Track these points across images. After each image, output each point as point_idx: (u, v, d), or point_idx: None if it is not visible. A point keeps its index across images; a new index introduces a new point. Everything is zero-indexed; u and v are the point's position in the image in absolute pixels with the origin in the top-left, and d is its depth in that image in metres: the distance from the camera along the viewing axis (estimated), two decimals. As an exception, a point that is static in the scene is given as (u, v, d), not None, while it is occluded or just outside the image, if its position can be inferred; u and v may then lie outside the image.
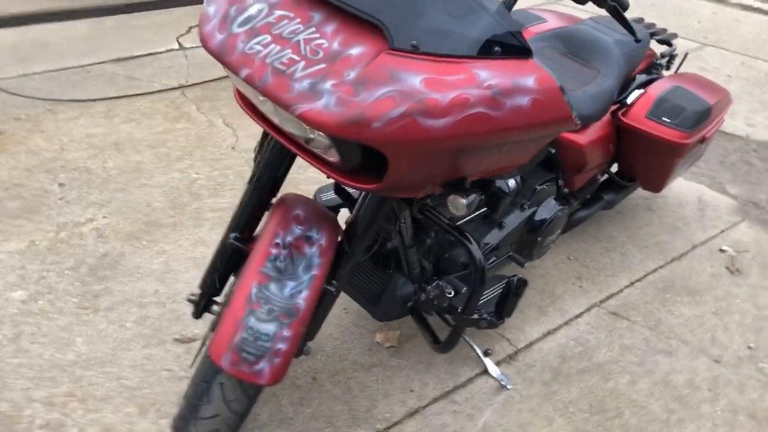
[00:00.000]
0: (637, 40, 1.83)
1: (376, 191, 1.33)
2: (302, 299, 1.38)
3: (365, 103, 1.13)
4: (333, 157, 1.31)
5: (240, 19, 1.28)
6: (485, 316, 1.73)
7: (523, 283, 1.74)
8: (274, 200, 1.58)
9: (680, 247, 2.61)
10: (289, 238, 1.44)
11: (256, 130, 3.13)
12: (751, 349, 2.15)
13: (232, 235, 1.58)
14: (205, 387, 1.41)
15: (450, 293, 1.80)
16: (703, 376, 2.04)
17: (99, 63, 3.76)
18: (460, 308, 1.77)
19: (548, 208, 2.08)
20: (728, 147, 3.38)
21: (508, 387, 1.93)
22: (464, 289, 1.84)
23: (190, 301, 1.67)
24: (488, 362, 1.98)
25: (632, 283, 2.40)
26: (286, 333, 1.36)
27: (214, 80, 3.65)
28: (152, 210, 2.57)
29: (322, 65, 1.18)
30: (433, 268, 1.87)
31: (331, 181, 2.23)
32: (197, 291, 1.66)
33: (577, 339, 2.13)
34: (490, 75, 1.16)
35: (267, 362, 1.34)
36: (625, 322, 2.22)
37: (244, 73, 1.24)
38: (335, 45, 1.19)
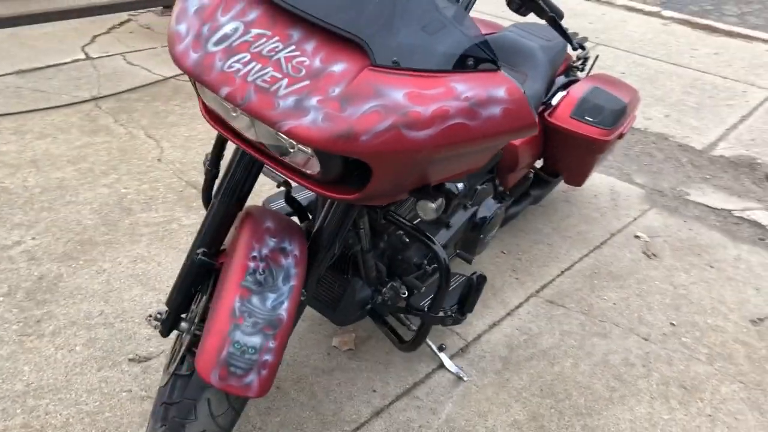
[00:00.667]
0: (575, 48, 1.97)
1: (354, 201, 1.38)
2: (284, 310, 1.41)
3: (352, 118, 1.18)
4: (311, 169, 1.34)
5: (215, 38, 1.29)
6: (450, 313, 1.81)
7: (483, 279, 1.83)
8: (239, 213, 1.60)
9: (600, 236, 2.80)
10: (264, 251, 1.46)
11: (181, 141, 3.09)
12: (674, 326, 2.35)
13: (200, 250, 1.58)
14: (191, 404, 1.41)
15: (404, 293, 1.88)
16: (636, 353, 2.21)
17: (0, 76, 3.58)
18: (425, 307, 1.85)
19: (488, 207, 2.20)
20: (630, 140, 3.64)
21: (465, 379, 2.03)
22: (422, 289, 1.92)
23: (156, 319, 1.65)
24: (443, 357, 2.07)
25: (562, 272, 2.56)
26: (272, 344, 1.38)
27: (127, 91, 3.55)
28: (84, 228, 2.49)
29: (306, 82, 1.22)
30: (387, 271, 1.93)
31: (277, 189, 2.25)
32: (163, 309, 1.65)
33: (521, 328, 2.25)
34: (466, 87, 1.24)
35: (255, 374, 1.36)
36: (561, 309, 2.37)
37: (225, 91, 1.25)
38: (317, 62, 1.23)
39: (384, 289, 1.85)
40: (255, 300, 1.40)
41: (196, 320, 1.61)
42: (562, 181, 2.70)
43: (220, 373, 1.34)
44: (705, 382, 2.12)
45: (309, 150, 1.29)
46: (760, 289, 2.57)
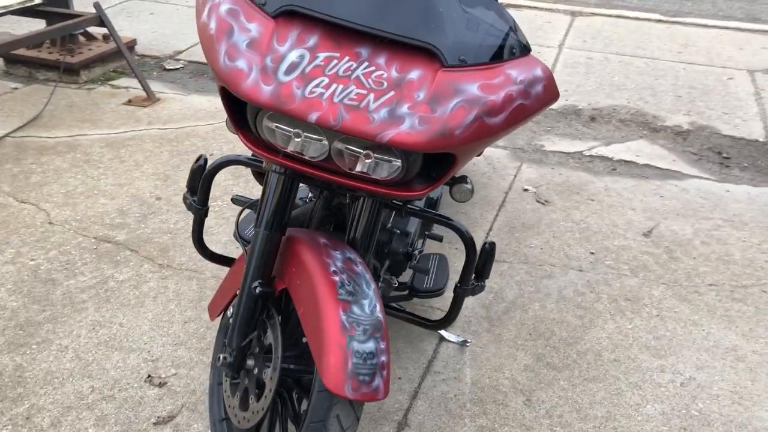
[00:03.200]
0: None
1: (421, 196, 1.49)
2: (379, 312, 1.48)
3: (444, 117, 1.30)
4: (382, 174, 1.42)
5: (282, 67, 1.32)
6: (473, 282, 1.97)
7: (494, 246, 2.01)
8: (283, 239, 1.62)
9: (498, 196, 3.13)
10: (338, 264, 1.52)
11: (61, 199, 2.87)
12: (593, 254, 2.73)
13: (256, 284, 1.58)
14: (320, 425, 1.43)
15: (395, 284, 2.00)
16: (580, 283, 2.55)
17: None
18: (430, 289, 1.99)
19: (439, 189, 2.38)
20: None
21: (468, 342, 2.21)
22: (410, 276, 2.06)
23: (224, 365, 1.61)
24: (441, 332, 2.23)
25: (488, 233, 2.84)
26: (382, 345, 1.45)
27: (-35, 159, 3.17)
28: (13, 312, 2.24)
29: (392, 93, 1.31)
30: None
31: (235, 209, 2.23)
32: (228, 353, 1.60)
33: (486, 289, 2.48)
34: (517, 72, 1.41)
35: (379, 377, 1.42)
36: (506, 264, 2.64)
37: (314, 116, 1.30)
38: (394, 73, 1.32)
39: (379, 283, 1.96)
40: (356, 309, 1.45)
41: (262, 354, 1.61)
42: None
43: (352, 385, 1.38)
44: (640, 291, 2.52)
45: (389, 158, 1.37)
46: (635, 208, 3.07)
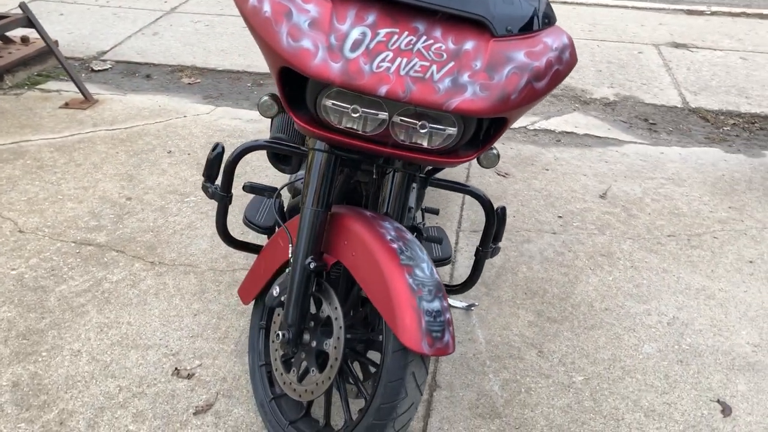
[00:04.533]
0: None
1: (470, 160, 1.59)
2: (436, 273, 1.57)
3: (501, 83, 1.41)
4: (437, 143, 1.51)
5: (347, 45, 1.38)
6: (491, 246, 2.08)
7: (505, 211, 2.12)
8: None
9: (462, 174, 3.27)
10: (392, 233, 1.59)
11: (25, 207, 2.76)
12: (561, 218, 2.93)
13: (309, 260, 1.62)
14: (399, 383, 1.49)
15: None
16: (557, 244, 2.73)
17: None
18: (440, 258, 2.10)
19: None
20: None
21: (476, 305, 2.33)
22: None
23: (284, 342, 1.64)
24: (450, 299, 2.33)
25: (462, 207, 2.97)
26: (445, 303, 1.54)
27: None
28: (10, 324, 2.16)
29: (452, 63, 1.40)
30: None
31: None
32: (285, 329, 1.64)
33: (471, 257, 2.61)
34: (551, 40, 1.53)
35: (447, 333, 1.51)
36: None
37: (384, 89, 1.37)
38: (450, 44, 1.41)
39: None
40: (418, 272, 1.53)
41: (319, 327, 1.66)
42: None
43: (428, 341, 1.46)
44: (611, 247, 2.73)
45: (442, 127, 1.46)
46: (586, 174, 3.30)
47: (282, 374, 1.75)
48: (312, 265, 1.62)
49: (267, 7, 1.43)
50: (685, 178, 3.29)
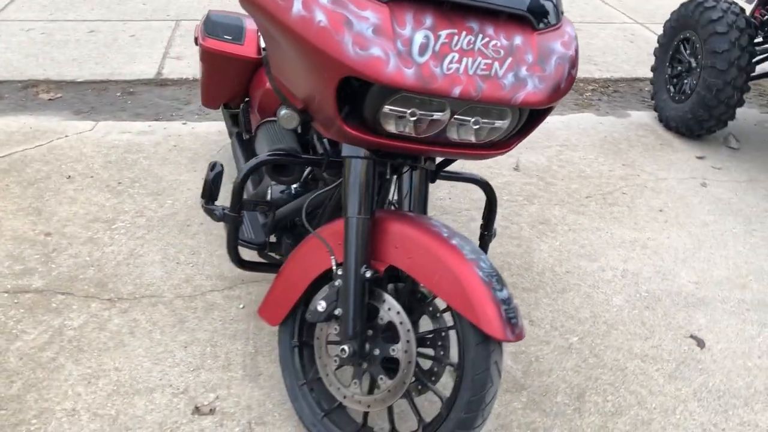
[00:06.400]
0: None
1: (508, 151, 1.65)
2: (493, 263, 1.62)
3: (552, 74, 1.49)
4: (484, 136, 1.55)
5: (414, 49, 1.37)
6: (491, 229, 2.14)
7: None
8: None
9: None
10: (445, 230, 1.62)
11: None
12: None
13: (363, 269, 1.60)
14: (485, 374, 1.52)
15: None
16: (499, 219, 2.83)
17: None
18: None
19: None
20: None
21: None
22: None
23: (351, 356, 1.60)
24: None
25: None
26: (510, 290, 1.60)
27: None
28: (-26, 394, 1.88)
29: (510, 59, 1.45)
30: None
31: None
32: (349, 344, 1.60)
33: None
34: (570, 29, 1.63)
35: (520, 318, 1.57)
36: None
37: (458, 90, 1.39)
38: (503, 41, 1.46)
39: None
40: (483, 264, 1.57)
41: (380, 335, 1.64)
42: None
43: (510, 329, 1.51)
44: (545, 214, 2.93)
45: (491, 120, 1.50)
46: (492, 149, 3.48)
47: (340, 389, 1.71)
48: (368, 274, 1.60)
49: (321, 17, 1.37)
50: (575, 143, 3.60)
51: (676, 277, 2.57)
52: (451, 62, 1.39)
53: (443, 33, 1.40)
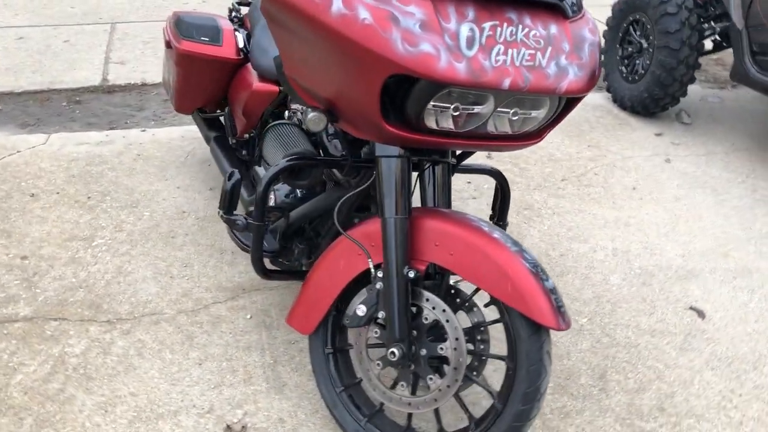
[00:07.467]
0: None
1: (539, 141, 1.65)
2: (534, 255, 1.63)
3: (588, 61, 1.50)
4: (519, 126, 1.55)
5: (462, 43, 1.36)
6: (505, 219, 2.13)
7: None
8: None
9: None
10: (484, 224, 1.61)
11: None
12: (470, 183, 3.09)
13: (406, 269, 1.57)
14: (539, 365, 1.52)
15: None
16: (484, 207, 2.89)
17: None
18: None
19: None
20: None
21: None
22: None
23: (401, 359, 1.57)
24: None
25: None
26: (554, 281, 1.60)
27: None
28: (-18, 437, 1.75)
29: (550, 48, 1.45)
30: None
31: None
32: (397, 347, 1.57)
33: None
34: (590, 17, 1.65)
35: (566, 308, 1.58)
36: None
37: (507, 82, 1.38)
38: (541, 30, 1.46)
39: None
40: (527, 256, 1.57)
41: (425, 333, 1.62)
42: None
43: (562, 317, 1.52)
44: (528, 199, 2.97)
45: (528, 111, 1.50)
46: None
47: (385, 392, 1.68)
48: (411, 274, 1.57)
49: (365, 14, 1.33)
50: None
51: (663, 251, 2.66)
52: (498, 54, 1.38)
53: (487, 25, 1.39)
